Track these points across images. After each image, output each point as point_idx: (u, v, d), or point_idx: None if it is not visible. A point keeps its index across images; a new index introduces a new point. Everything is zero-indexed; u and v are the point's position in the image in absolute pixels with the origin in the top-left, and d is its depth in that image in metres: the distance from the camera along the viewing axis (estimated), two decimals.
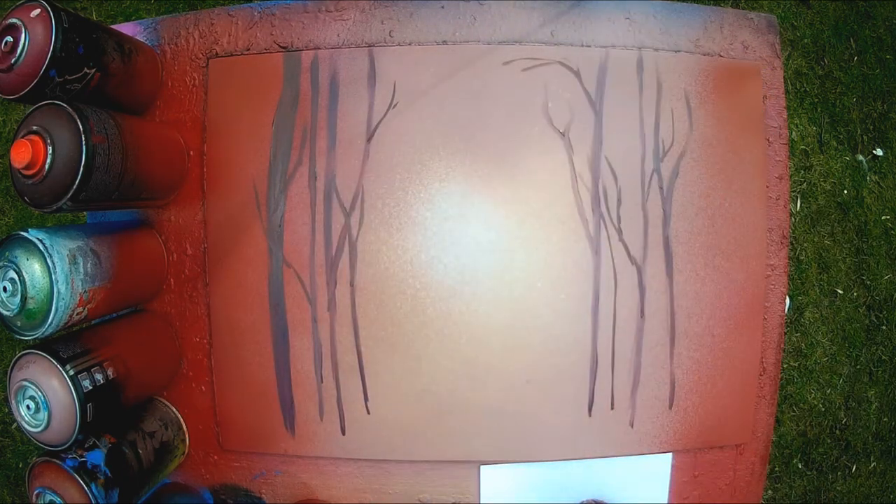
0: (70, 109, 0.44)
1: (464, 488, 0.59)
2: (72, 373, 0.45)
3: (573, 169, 0.57)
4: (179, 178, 0.58)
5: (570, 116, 0.57)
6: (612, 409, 0.58)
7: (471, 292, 0.57)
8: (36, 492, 0.47)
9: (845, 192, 1.26)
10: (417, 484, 0.59)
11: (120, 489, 0.49)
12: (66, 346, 0.47)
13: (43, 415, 0.45)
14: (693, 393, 0.59)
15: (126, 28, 0.59)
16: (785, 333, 0.62)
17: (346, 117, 0.57)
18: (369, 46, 0.57)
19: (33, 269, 0.44)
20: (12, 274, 0.44)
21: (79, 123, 0.44)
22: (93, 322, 0.53)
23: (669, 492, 0.60)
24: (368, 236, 0.57)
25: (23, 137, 0.43)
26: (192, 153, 0.58)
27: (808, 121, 1.26)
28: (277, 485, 0.59)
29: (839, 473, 1.22)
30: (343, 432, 0.58)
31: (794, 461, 1.21)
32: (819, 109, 1.27)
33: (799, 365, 1.24)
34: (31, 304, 0.44)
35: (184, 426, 0.59)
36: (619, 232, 0.57)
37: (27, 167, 0.43)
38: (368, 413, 0.57)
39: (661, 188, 0.58)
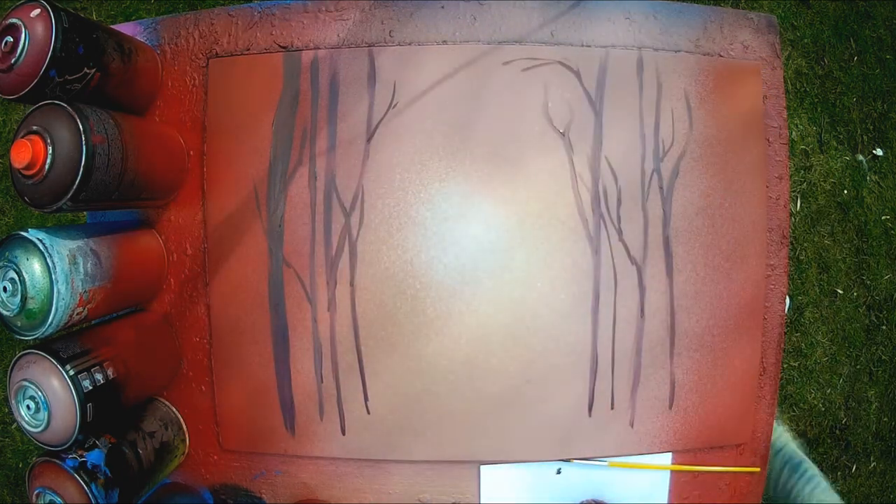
0: (70, 109, 0.44)
1: (464, 488, 0.59)
2: (72, 373, 0.45)
3: (573, 169, 0.57)
4: (179, 178, 0.58)
5: (570, 116, 0.57)
6: (612, 409, 0.58)
7: (471, 292, 0.57)
8: (36, 492, 0.47)
9: (845, 192, 1.26)
10: (417, 484, 0.59)
11: (120, 489, 0.49)
12: (66, 346, 0.47)
13: (43, 415, 0.45)
14: (693, 393, 0.59)
15: (126, 28, 0.59)
16: (785, 333, 0.62)
17: (346, 117, 0.57)
18: (369, 46, 0.57)
19: (33, 269, 0.44)
20: (12, 274, 0.44)
21: (79, 123, 0.44)
22: (93, 322, 0.53)
23: (669, 492, 0.60)
24: (368, 236, 0.57)
25: (23, 137, 0.43)
26: (192, 153, 0.58)
27: (808, 121, 1.26)
28: (277, 485, 0.59)
29: (839, 473, 1.22)
30: (343, 432, 0.58)
31: None
32: (819, 109, 1.27)
33: (799, 365, 1.24)
34: (31, 304, 0.44)
35: (184, 426, 0.59)
36: (619, 232, 0.57)
37: (27, 167, 0.43)
38: (368, 413, 0.57)
39: (661, 188, 0.58)
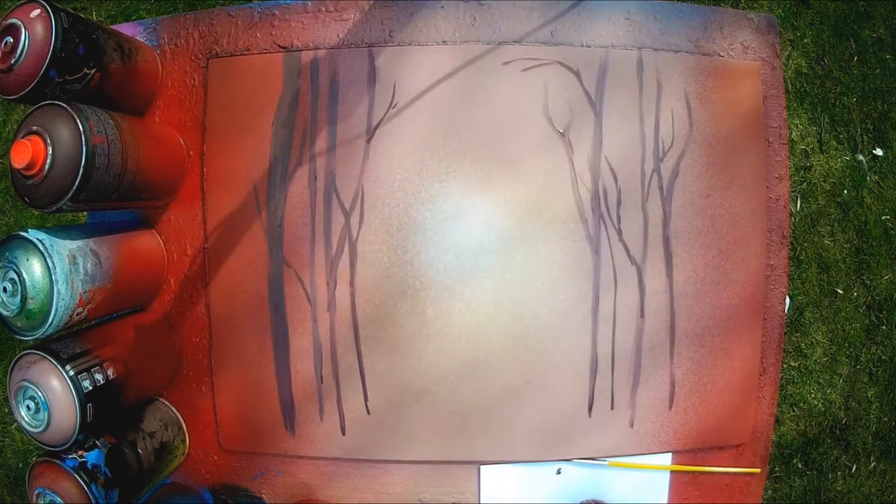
0: (70, 110, 0.44)
1: (464, 488, 0.59)
2: (72, 373, 0.45)
3: (573, 169, 0.57)
4: (179, 178, 0.58)
5: (570, 116, 0.57)
6: (612, 409, 0.58)
7: (471, 292, 0.57)
8: (36, 492, 0.47)
9: (845, 192, 1.26)
10: (417, 484, 0.59)
11: (120, 489, 0.49)
12: (66, 346, 0.47)
13: (43, 415, 0.45)
14: (693, 393, 0.59)
15: (126, 28, 0.59)
16: (785, 333, 0.62)
17: (346, 117, 0.57)
18: (369, 46, 0.57)
19: (33, 270, 0.44)
20: (12, 274, 0.44)
21: (79, 124, 0.44)
22: (93, 322, 0.53)
23: (669, 492, 0.60)
24: (368, 236, 0.57)
25: (23, 138, 0.43)
26: (192, 153, 0.58)
27: (808, 121, 1.26)
28: (277, 485, 0.59)
29: (839, 473, 1.22)
30: (343, 432, 0.58)
31: (794, 461, 1.21)
32: (819, 109, 1.27)
33: (799, 365, 1.24)
34: (31, 305, 0.44)
35: (184, 426, 0.59)
36: (619, 232, 0.57)
37: (27, 167, 0.43)
38: (368, 413, 0.57)
39: (661, 188, 0.58)
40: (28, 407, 0.45)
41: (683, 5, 0.59)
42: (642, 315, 0.58)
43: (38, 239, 0.45)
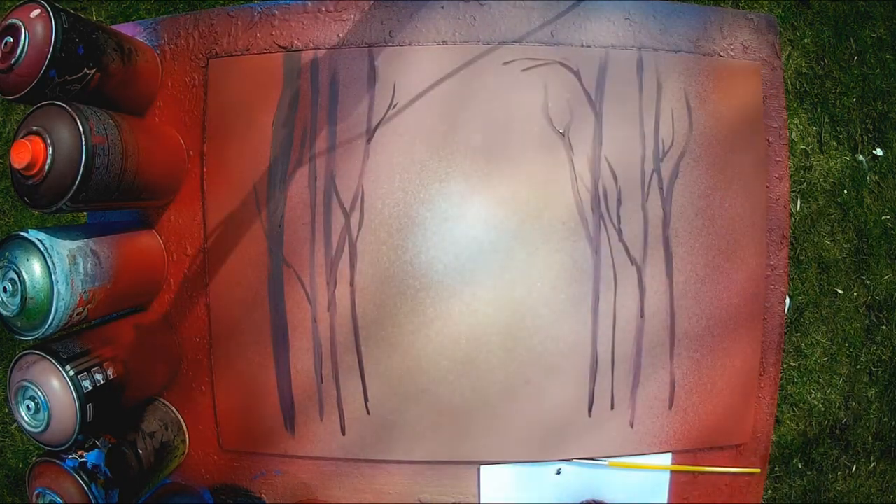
0: (70, 110, 0.44)
1: (464, 488, 0.59)
2: (72, 373, 0.45)
3: (573, 169, 0.57)
4: (179, 178, 0.58)
5: (570, 116, 0.57)
6: (612, 409, 0.58)
7: (471, 292, 0.57)
8: (36, 492, 0.47)
9: (845, 192, 1.26)
10: (417, 484, 0.59)
11: (120, 489, 0.49)
12: (66, 346, 0.47)
13: (43, 415, 0.45)
14: (693, 393, 0.59)
15: (126, 28, 0.59)
16: (785, 333, 0.62)
17: (346, 117, 0.57)
18: (369, 46, 0.57)
19: (33, 270, 0.44)
20: (12, 274, 0.44)
21: (79, 124, 0.44)
22: (93, 322, 0.53)
23: (669, 492, 0.60)
24: (368, 236, 0.57)
25: (23, 138, 0.43)
26: (192, 153, 0.58)
27: (808, 121, 1.26)
28: (277, 485, 0.59)
29: (839, 473, 1.22)
30: (343, 432, 0.58)
31: (794, 461, 1.21)
32: (819, 109, 1.27)
33: (799, 365, 1.24)
34: (31, 305, 0.44)
35: (184, 426, 0.59)
36: (619, 232, 0.57)
37: (27, 168, 0.43)
38: (368, 413, 0.57)
39: (661, 188, 0.58)
40: (28, 407, 0.45)
41: (683, 5, 0.59)
42: (642, 315, 0.58)
43: (38, 239, 0.45)
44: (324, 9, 0.58)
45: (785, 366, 1.23)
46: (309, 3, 0.58)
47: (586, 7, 0.58)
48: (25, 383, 0.45)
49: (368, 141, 0.57)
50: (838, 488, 1.21)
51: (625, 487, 0.60)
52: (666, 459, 0.59)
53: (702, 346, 0.59)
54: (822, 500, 1.21)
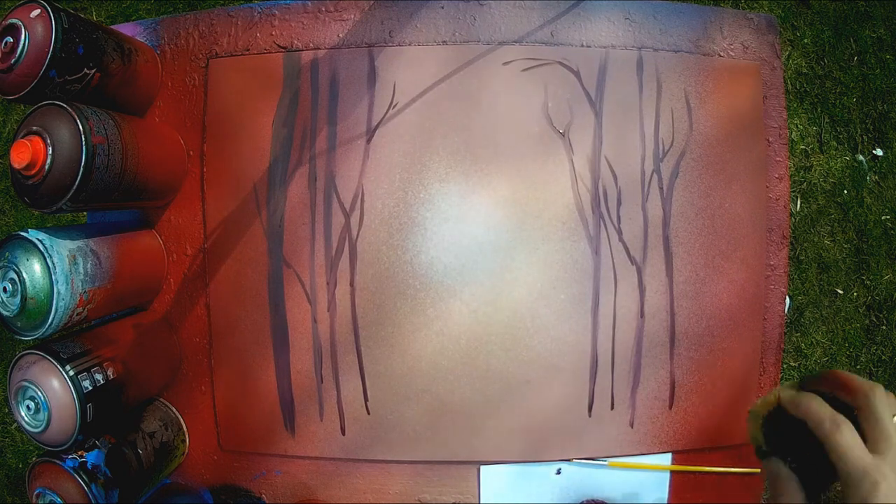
0: (70, 110, 0.44)
1: (464, 488, 0.59)
2: (72, 373, 0.45)
3: (573, 169, 0.57)
4: (179, 178, 0.58)
5: (570, 116, 0.57)
6: (612, 409, 0.58)
7: (471, 292, 0.57)
8: (36, 492, 0.47)
9: (845, 192, 1.26)
10: (417, 484, 0.59)
11: (120, 489, 0.49)
12: (66, 346, 0.47)
13: (43, 415, 0.45)
14: (693, 393, 0.59)
15: (126, 28, 0.59)
16: (785, 333, 0.62)
17: (346, 117, 0.57)
18: (369, 46, 0.57)
19: (33, 270, 0.44)
20: (12, 274, 0.44)
21: (79, 124, 0.44)
22: (93, 322, 0.53)
23: (669, 492, 0.60)
24: (368, 236, 0.57)
25: (23, 138, 0.43)
26: (192, 153, 0.58)
27: (808, 121, 1.26)
28: (277, 485, 0.59)
29: None
30: (343, 432, 0.58)
31: None
32: (819, 109, 1.27)
33: (799, 365, 1.23)
34: (31, 305, 0.44)
35: (184, 426, 0.59)
36: (619, 232, 0.57)
37: (27, 168, 0.43)
38: (368, 413, 0.57)
39: (661, 188, 0.58)
40: (28, 407, 0.45)
41: (683, 5, 0.59)
42: (642, 315, 0.58)
43: (38, 239, 0.45)
44: (324, 9, 0.58)
45: (785, 366, 1.23)
46: (309, 3, 0.58)
47: (586, 7, 0.58)
48: (25, 383, 0.45)
49: (368, 141, 0.57)
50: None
51: (625, 487, 0.60)
52: (666, 459, 0.59)
53: (702, 346, 0.59)
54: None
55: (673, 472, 0.60)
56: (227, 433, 0.59)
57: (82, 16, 0.48)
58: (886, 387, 0.30)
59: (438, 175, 0.57)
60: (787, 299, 0.70)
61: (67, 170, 0.44)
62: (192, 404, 0.59)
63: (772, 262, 0.60)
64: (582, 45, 0.58)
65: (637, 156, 0.58)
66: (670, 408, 0.59)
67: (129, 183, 0.49)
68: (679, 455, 0.60)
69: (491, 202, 0.57)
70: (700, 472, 0.60)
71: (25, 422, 0.46)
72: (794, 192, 1.24)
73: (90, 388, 0.46)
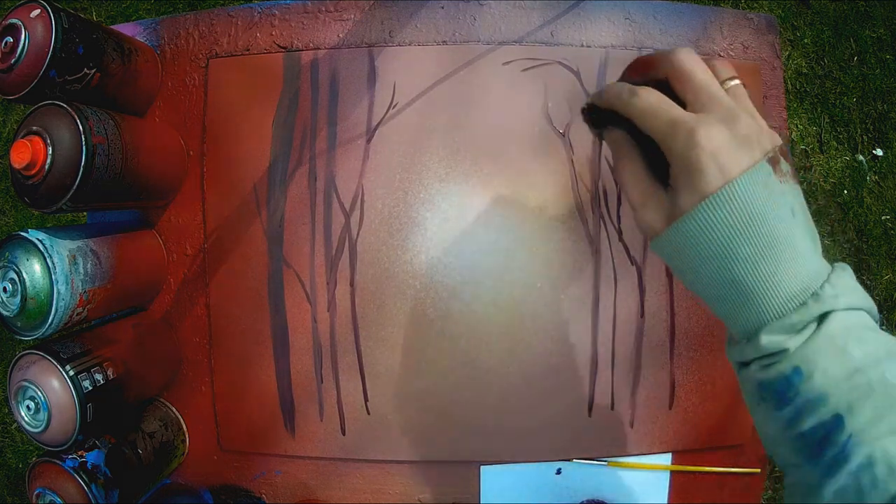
0: (70, 109, 0.44)
1: (464, 488, 0.59)
2: (72, 373, 0.45)
3: (573, 169, 0.57)
4: (179, 178, 0.58)
5: (570, 116, 0.57)
6: (612, 409, 0.58)
7: (471, 293, 0.57)
8: (36, 492, 0.47)
9: (845, 192, 1.26)
10: (417, 484, 0.59)
11: (120, 489, 0.49)
12: (66, 346, 0.47)
13: (43, 415, 0.45)
14: (693, 393, 0.59)
15: (126, 28, 0.59)
16: None
17: (346, 117, 0.57)
18: (369, 46, 0.57)
19: (33, 270, 0.44)
20: (12, 274, 0.44)
21: (79, 124, 0.44)
22: (93, 322, 0.53)
23: (669, 492, 0.60)
24: (368, 236, 0.57)
25: (23, 138, 0.43)
26: (192, 153, 0.58)
27: (808, 121, 1.26)
28: (277, 485, 0.59)
29: None
30: (343, 432, 0.58)
31: None
32: (819, 109, 1.27)
33: None
34: (31, 305, 0.44)
35: (184, 426, 0.59)
36: (619, 232, 0.57)
37: (27, 167, 0.43)
38: (368, 413, 0.57)
39: None
40: (28, 407, 0.45)
41: (683, 5, 0.59)
42: (642, 315, 0.58)
43: (38, 239, 0.45)
44: (324, 9, 0.58)
45: None
46: (309, 3, 0.58)
47: (586, 7, 0.58)
48: (25, 383, 0.45)
49: (368, 141, 0.57)
50: None
51: (625, 487, 0.60)
52: (666, 459, 0.59)
53: (702, 346, 0.59)
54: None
55: (673, 472, 0.60)
56: (227, 433, 0.59)
57: (82, 16, 0.48)
58: None
59: (438, 175, 0.57)
60: None
61: (67, 170, 0.44)
62: (193, 404, 0.59)
63: None
64: (582, 45, 0.58)
65: None
66: (670, 408, 0.59)
67: (129, 183, 0.49)
68: (679, 455, 0.60)
69: (491, 202, 0.57)
70: (700, 472, 0.60)
71: (25, 422, 0.46)
72: None
73: (90, 388, 0.46)
